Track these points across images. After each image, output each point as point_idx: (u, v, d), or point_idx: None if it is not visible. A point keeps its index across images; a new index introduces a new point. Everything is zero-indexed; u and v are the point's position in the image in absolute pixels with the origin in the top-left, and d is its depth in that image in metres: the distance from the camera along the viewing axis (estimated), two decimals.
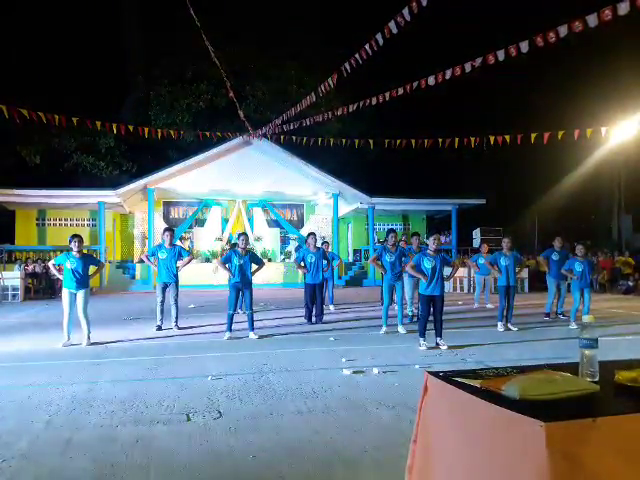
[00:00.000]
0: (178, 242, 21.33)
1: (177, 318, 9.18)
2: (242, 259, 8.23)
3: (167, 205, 22.67)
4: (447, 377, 2.10)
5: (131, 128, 13.71)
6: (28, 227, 21.52)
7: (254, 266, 8.49)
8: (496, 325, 9.01)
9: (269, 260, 21.12)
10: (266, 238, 22.40)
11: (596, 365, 1.99)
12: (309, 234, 10.40)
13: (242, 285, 8.26)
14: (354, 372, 5.69)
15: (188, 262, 9.28)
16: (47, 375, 5.73)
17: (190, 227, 22.36)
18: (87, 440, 3.74)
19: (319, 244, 10.70)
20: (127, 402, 4.65)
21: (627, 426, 1.62)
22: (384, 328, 8.57)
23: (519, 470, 1.59)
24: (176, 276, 9.08)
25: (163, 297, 9.06)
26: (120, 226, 23.22)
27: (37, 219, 21.61)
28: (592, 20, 6.59)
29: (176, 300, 9.15)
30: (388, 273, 8.71)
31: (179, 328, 9.06)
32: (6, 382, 5.42)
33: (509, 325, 9.00)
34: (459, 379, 2.04)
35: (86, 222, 22.23)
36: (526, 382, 1.83)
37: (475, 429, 1.83)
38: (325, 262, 10.63)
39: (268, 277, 19.30)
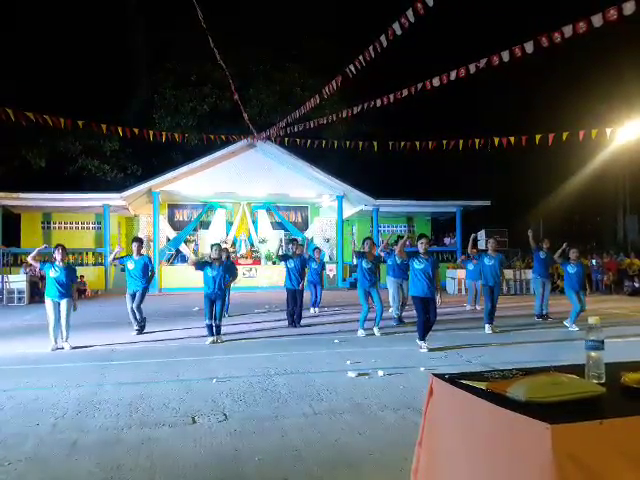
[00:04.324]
0: (183, 245, 21.43)
1: (142, 325, 9.05)
2: (215, 270, 8.14)
3: (172, 208, 22.72)
4: (453, 379, 2.09)
5: (136, 131, 13.75)
6: (34, 230, 21.59)
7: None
8: (508, 328, 8.99)
9: (273, 263, 21.15)
10: (270, 240, 22.41)
11: (602, 367, 1.98)
12: (292, 239, 10.70)
13: (215, 297, 8.14)
14: (359, 374, 5.68)
15: (151, 277, 9.24)
16: (53, 378, 5.74)
17: (195, 230, 22.41)
18: (93, 443, 3.75)
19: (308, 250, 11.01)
20: (132, 405, 4.66)
21: (633, 428, 1.61)
22: (361, 331, 8.63)
23: (525, 472, 1.59)
24: (143, 283, 9.00)
25: (132, 304, 8.96)
26: (125, 229, 23.27)
27: (42, 222, 21.68)
28: (597, 20, 6.58)
29: (139, 306, 8.97)
30: (364, 280, 8.79)
31: (139, 333, 8.91)
32: (12, 384, 5.44)
33: (487, 327, 8.91)
34: (465, 381, 2.03)
35: (91, 225, 22.30)
36: (532, 384, 1.82)
37: (481, 431, 1.83)
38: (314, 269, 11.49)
39: (273, 280, 19.34)
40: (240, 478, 3.19)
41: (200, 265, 8.35)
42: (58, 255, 7.71)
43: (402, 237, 9.22)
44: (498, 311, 9.15)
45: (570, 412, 1.63)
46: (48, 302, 7.64)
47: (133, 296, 8.97)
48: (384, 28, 7.80)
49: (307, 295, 11.31)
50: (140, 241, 9.34)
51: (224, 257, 8.71)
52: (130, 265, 8.95)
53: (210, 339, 8.05)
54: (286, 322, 10.00)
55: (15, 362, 6.68)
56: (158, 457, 3.48)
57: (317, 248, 12.85)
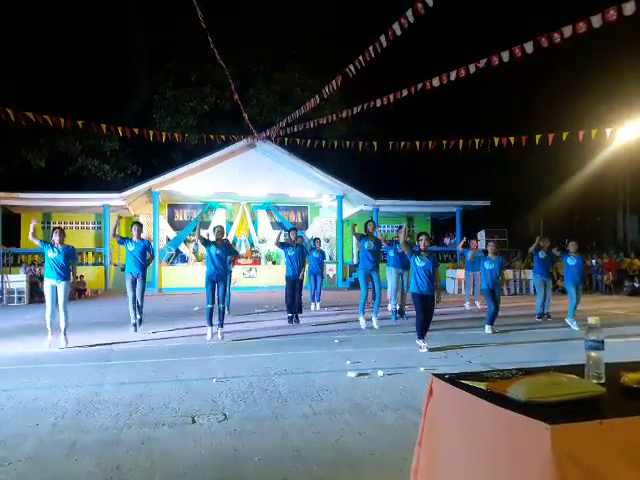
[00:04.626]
0: (183, 245, 21.45)
1: (140, 319, 8.93)
2: (219, 249, 8.21)
3: (172, 208, 22.72)
4: (452, 379, 2.09)
5: (136, 131, 13.75)
6: None
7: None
8: (508, 329, 9.00)
9: (273, 263, 21.17)
10: (271, 240, 22.40)
11: (602, 367, 1.98)
12: (290, 229, 10.77)
13: (217, 278, 8.18)
14: (359, 374, 5.68)
15: (151, 260, 9.26)
16: (53, 377, 5.74)
17: (195, 230, 22.40)
18: (92, 443, 3.74)
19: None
20: (132, 404, 4.66)
21: (634, 428, 1.61)
22: (362, 319, 8.66)
23: (525, 472, 1.59)
24: (143, 268, 8.95)
25: (133, 292, 8.83)
26: (125, 229, 23.27)
27: (42, 222, 21.67)
28: (596, 21, 6.58)
29: (142, 295, 8.96)
30: (366, 261, 8.80)
31: (137, 330, 8.84)
32: (12, 384, 5.43)
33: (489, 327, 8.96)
34: (465, 381, 2.03)
35: (91, 225, 22.31)
36: (532, 384, 1.82)
37: (480, 431, 1.83)
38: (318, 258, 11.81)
39: (273, 279, 19.32)
40: (240, 478, 3.19)
41: (204, 241, 8.39)
42: (56, 237, 7.72)
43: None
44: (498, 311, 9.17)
45: (570, 412, 1.63)
46: (46, 284, 7.67)
47: (134, 282, 8.85)
48: (384, 28, 7.79)
49: (305, 294, 11.33)
50: (140, 225, 9.29)
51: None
52: (130, 247, 8.89)
53: (209, 331, 8.04)
54: (286, 322, 10.00)
55: (15, 362, 6.68)
56: (158, 457, 3.48)
57: (317, 239, 12.91)
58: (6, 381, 5.59)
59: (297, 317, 9.99)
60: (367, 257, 8.80)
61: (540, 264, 10.70)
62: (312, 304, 11.97)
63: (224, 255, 8.25)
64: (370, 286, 9.17)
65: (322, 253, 12.25)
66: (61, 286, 7.64)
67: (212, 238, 8.58)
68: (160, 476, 3.20)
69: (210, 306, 8.12)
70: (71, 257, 7.89)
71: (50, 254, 7.64)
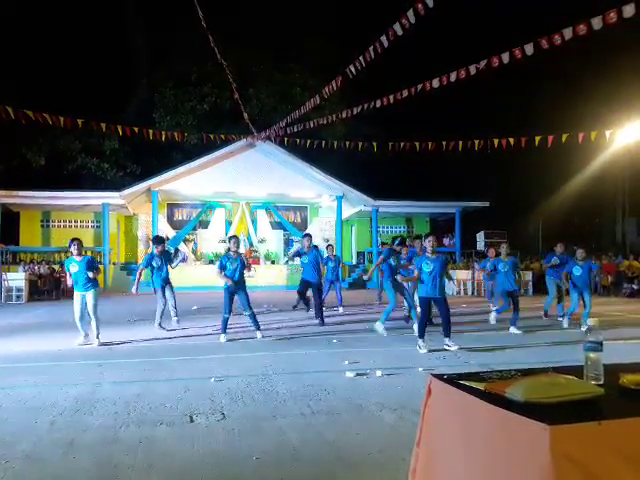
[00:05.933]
0: (182, 245, 21.44)
1: (162, 318, 9.42)
2: (235, 263, 8.29)
3: (171, 207, 22.73)
4: (451, 380, 2.09)
5: (136, 130, 13.75)
6: (33, 228, 21.60)
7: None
8: (508, 328, 9.03)
9: (272, 262, 21.16)
10: (270, 240, 22.42)
11: (601, 368, 1.98)
12: (305, 235, 10.74)
13: (235, 289, 8.30)
14: (357, 374, 5.67)
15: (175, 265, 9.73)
16: (51, 376, 5.74)
17: (194, 229, 22.42)
18: (90, 441, 3.74)
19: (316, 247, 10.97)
20: (130, 403, 4.65)
21: (632, 429, 1.61)
22: (382, 327, 8.68)
23: (523, 473, 1.58)
24: (168, 279, 9.45)
25: (166, 299, 9.33)
26: (124, 228, 23.27)
27: (41, 221, 21.69)
28: (597, 23, 6.59)
29: (174, 298, 9.47)
30: (391, 273, 8.81)
31: (167, 329, 9.20)
32: (10, 382, 5.43)
33: (513, 329, 8.99)
34: (463, 382, 2.03)
35: (90, 224, 22.30)
36: (530, 385, 1.82)
37: (479, 432, 1.82)
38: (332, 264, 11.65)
39: (272, 279, 19.33)
40: (238, 477, 3.19)
41: (222, 268, 8.39)
42: (74, 250, 7.79)
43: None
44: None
45: (568, 413, 1.63)
46: (75, 295, 7.84)
47: (164, 289, 9.30)
48: (384, 28, 7.80)
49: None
50: (162, 240, 9.77)
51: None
52: (157, 263, 9.25)
53: (223, 337, 8.09)
54: (284, 323, 9.98)
55: (13, 360, 6.67)
56: (156, 456, 3.47)
57: (330, 245, 12.92)
58: (4, 379, 5.59)
59: (319, 318, 9.99)
60: (391, 270, 8.86)
61: (554, 267, 10.73)
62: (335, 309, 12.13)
63: (240, 268, 8.34)
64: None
65: (337, 259, 12.34)
66: (89, 295, 7.79)
67: (228, 246, 8.69)
68: (158, 475, 3.20)
69: (227, 316, 8.21)
70: (94, 267, 7.96)
71: (72, 269, 7.76)
